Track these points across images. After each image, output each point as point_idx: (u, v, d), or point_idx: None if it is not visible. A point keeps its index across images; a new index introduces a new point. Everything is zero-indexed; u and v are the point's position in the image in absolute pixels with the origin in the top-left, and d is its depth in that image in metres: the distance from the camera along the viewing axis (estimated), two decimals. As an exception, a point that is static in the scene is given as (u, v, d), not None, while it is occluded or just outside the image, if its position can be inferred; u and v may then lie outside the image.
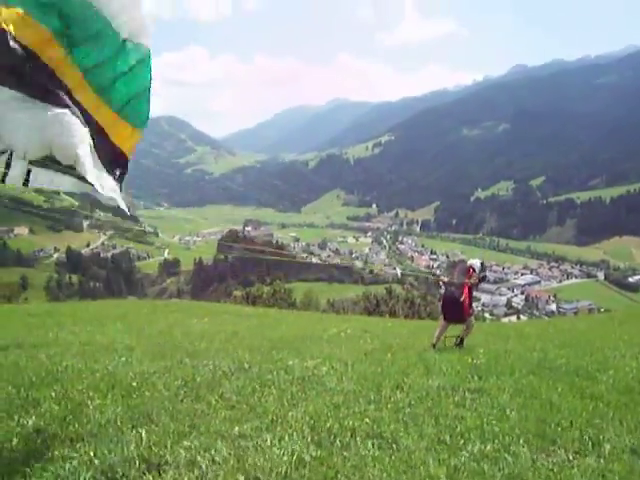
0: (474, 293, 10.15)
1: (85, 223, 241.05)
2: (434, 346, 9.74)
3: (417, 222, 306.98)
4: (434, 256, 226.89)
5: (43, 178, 3.33)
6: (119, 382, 5.87)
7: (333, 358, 8.08)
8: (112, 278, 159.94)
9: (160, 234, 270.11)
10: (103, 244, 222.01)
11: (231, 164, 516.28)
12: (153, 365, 7.09)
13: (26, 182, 3.19)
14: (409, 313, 31.52)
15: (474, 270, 9.79)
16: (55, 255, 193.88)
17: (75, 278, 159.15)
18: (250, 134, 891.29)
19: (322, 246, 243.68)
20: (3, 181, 3.10)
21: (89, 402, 5.01)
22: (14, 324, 14.49)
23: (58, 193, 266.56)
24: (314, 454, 3.97)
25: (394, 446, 4.23)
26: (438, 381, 6.45)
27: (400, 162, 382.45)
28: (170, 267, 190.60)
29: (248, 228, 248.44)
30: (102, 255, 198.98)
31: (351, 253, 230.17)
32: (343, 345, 10.29)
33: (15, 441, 4.05)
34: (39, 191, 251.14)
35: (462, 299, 9.48)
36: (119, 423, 4.49)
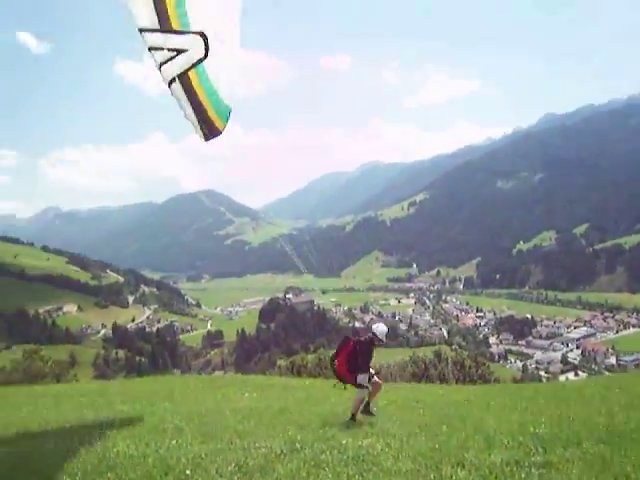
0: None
1: (130, 298, 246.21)
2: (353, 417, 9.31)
3: (460, 279, 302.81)
4: (480, 313, 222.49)
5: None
6: (172, 469, 5.79)
7: (387, 434, 7.81)
8: (157, 352, 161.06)
9: (203, 306, 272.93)
10: (148, 318, 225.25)
11: (270, 233, 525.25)
12: (204, 447, 7.00)
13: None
14: (460, 376, 30.30)
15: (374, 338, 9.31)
16: (102, 331, 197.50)
17: (122, 353, 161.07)
18: (287, 202, 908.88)
19: (364, 310, 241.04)
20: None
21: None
22: (66, 405, 14.59)
23: (104, 270, 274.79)
24: None
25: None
26: (500, 456, 6.15)
27: (437, 220, 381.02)
28: (213, 339, 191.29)
29: (289, 295, 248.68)
30: (147, 329, 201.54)
31: (394, 315, 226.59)
32: (395, 418, 9.93)
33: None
34: (86, 269, 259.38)
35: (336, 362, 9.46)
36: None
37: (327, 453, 6.50)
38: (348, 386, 9.60)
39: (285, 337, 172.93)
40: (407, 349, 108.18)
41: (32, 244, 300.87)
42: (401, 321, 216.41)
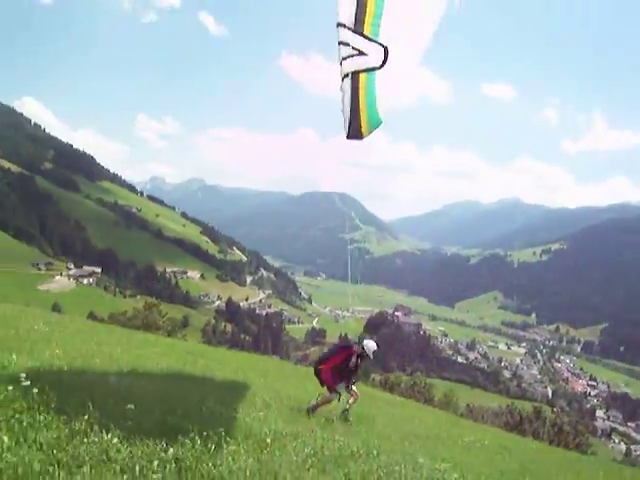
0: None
1: (249, 279, 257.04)
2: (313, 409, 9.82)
3: (579, 341, 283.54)
4: (593, 382, 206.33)
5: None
6: (254, 435, 6.14)
7: (465, 467, 7.68)
8: (262, 335, 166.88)
9: (313, 302, 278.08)
10: (260, 301, 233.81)
11: (392, 247, 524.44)
12: (286, 427, 7.29)
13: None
14: (554, 440, 28.48)
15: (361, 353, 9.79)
16: (217, 302, 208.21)
17: (229, 327, 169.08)
18: (416, 221, 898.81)
19: (470, 347, 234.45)
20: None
21: (225, 446, 5.31)
22: (171, 356, 15.76)
23: (231, 247, 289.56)
24: None
25: None
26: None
27: (569, 273, 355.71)
28: (316, 336, 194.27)
29: (397, 313, 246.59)
30: (257, 311, 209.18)
31: (500, 361, 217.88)
32: (478, 456, 9.71)
33: (155, 464, 4.41)
34: (215, 242, 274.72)
35: (322, 367, 9.88)
36: (248, 473, 4.70)
37: (401, 466, 6.52)
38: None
39: (385, 352, 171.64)
40: (505, 398, 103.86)
41: (173, 208, 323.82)
42: (506, 368, 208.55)
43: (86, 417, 5.00)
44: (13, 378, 5.56)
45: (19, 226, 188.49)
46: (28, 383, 5.49)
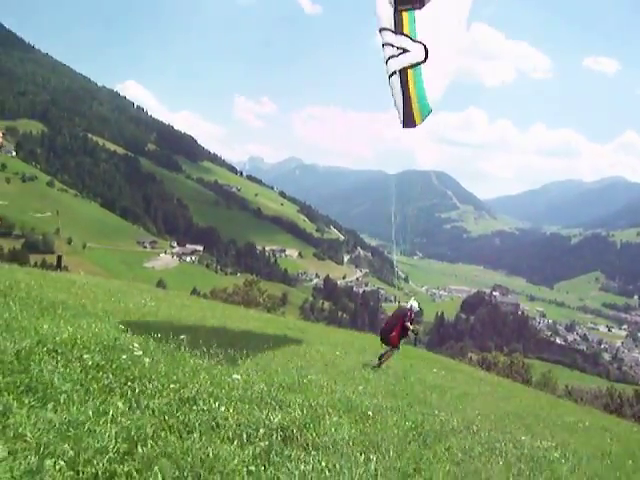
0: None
1: (346, 257, 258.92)
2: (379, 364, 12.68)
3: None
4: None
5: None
6: (355, 407, 6.21)
7: (567, 447, 7.51)
8: (359, 312, 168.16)
9: (410, 281, 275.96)
10: (357, 279, 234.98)
11: (491, 227, 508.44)
12: (386, 401, 7.33)
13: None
14: (658, 424, 26.95)
15: (412, 312, 12.73)
16: (315, 280, 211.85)
17: (327, 305, 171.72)
18: (515, 200, 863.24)
19: (569, 328, 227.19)
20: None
21: (327, 417, 5.40)
22: (273, 331, 16.27)
23: (328, 226, 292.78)
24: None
25: None
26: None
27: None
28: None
29: (495, 293, 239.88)
30: (354, 289, 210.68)
31: (600, 343, 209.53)
32: (579, 437, 9.35)
33: (262, 431, 4.56)
34: (313, 221, 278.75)
35: (392, 334, 12.58)
36: (351, 444, 4.76)
37: (502, 443, 6.45)
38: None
39: (482, 332, 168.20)
40: (605, 381, 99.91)
41: (272, 188, 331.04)
42: (606, 350, 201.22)
43: (195, 386, 5.26)
44: (126, 348, 5.91)
45: (125, 206, 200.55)
46: (140, 353, 5.83)
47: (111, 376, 4.91)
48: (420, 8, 7.21)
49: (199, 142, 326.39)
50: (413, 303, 12.92)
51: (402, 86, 7.19)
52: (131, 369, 5.25)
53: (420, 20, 7.04)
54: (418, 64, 7.04)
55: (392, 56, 7.12)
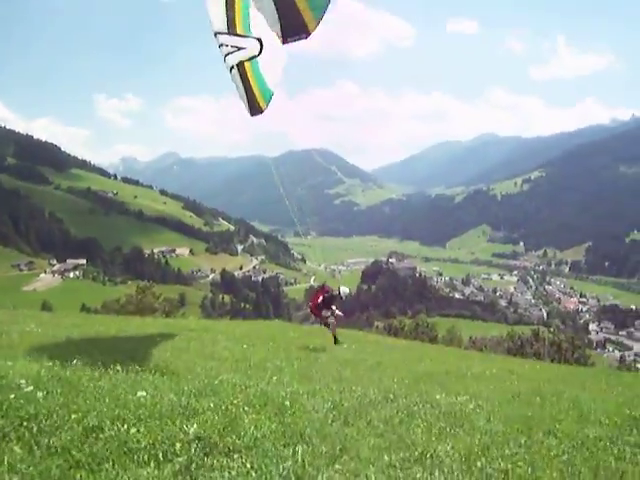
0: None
1: (239, 247, 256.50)
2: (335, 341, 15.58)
3: (566, 263, 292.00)
4: (583, 299, 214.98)
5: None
6: (271, 400, 6.08)
7: (479, 396, 7.84)
8: (261, 300, 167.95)
9: (307, 262, 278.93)
10: (255, 268, 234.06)
11: (379, 196, 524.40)
12: (301, 387, 7.26)
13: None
14: (555, 357, 29.70)
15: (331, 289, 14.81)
16: (211, 276, 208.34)
17: (227, 298, 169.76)
18: (398, 167, 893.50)
19: (465, 282, 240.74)
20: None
21: (245, 416, 5.23)
22: (175, 335, 15.67)
23: (217, 218, 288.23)
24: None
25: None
26: (594, 431, 6.01)
27: (550, 200, 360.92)
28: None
29: (392, 260, 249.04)
30: (253, 278, 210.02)
31: (495, 291, 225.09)
32: (488, 384, 9.90)
33: (178, 446, 4.32)
34: (200, 216, 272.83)
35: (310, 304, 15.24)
36: (273, 439, 4.64)
37: (420, 405, 6.61)
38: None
39: (384, 300, 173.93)
40: (504, 325, 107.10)
41: (151, 187, 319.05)
42: (501, 297, 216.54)
43: (99, 412, 4.89)
44: (14, 386, 5.39)
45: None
46: (31, 388, 5.34)
47: (1, 420, 4.45)
48: (306, 38, 7.97)
49: (63, 149, 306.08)
50: (344, 289, 14.75)
51: (242, 77, 7.71)
52: (24, 408, 4.78)
53: (254, 16, 7.69)
54: (254, 57, 7.64)
55: (228, 54, 7.62)
